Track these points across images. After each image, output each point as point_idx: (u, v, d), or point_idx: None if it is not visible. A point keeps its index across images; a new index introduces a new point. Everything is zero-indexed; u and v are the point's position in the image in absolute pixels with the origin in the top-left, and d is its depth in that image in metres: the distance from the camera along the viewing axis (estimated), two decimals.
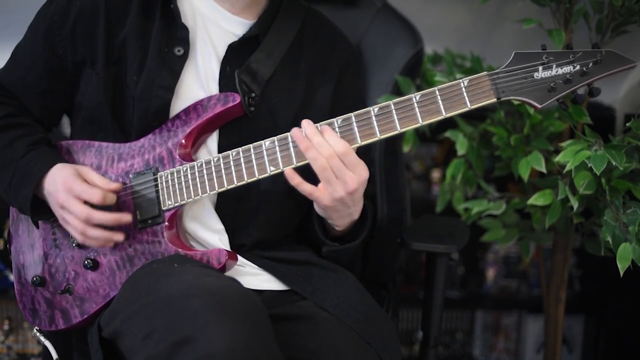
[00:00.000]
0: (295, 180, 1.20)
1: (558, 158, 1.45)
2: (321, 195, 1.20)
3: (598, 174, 1.38)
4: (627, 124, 1.42)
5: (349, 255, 1.36)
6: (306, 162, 1.21)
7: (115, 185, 1.27)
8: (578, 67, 1.15)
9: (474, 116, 1.77)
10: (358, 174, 1.19)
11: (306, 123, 1.20)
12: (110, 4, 1.30)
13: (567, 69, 1.15)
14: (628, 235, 1.38)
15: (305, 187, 1.21)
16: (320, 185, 1.20)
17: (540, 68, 1.16)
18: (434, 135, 1.94)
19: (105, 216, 1.24)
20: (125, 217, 1.25)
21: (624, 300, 2.31)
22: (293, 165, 1.21)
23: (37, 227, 1.35)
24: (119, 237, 1.26)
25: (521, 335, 2.58)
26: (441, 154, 2.54)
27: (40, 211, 1.30)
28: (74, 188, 1.23)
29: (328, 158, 1.17)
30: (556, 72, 1.15)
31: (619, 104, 2.35)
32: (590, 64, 1.15)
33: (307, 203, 1.42)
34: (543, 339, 2.09)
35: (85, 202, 1.23)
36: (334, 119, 1.20)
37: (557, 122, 1.64)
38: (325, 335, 1.21)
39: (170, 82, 1.29)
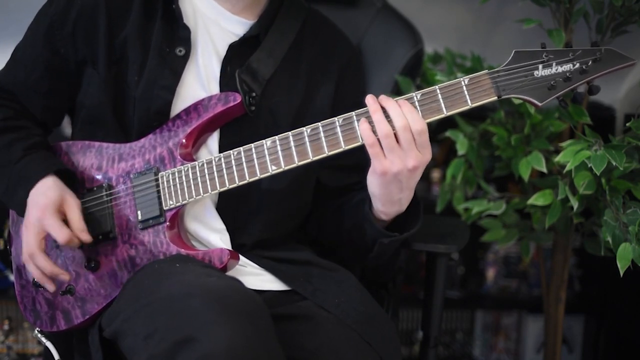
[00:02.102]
0: (365, 125, 1.16)
1: (558, 158, 1.46)
2: (381, 157, 1.16)
3: (598, 174, 1.38)
4: (627, 124, 1.42)
5: (393, 250, 1.33)
6: (307, 161, 1.21)
7: (87, 238, 1.25)
8: (578, 65, 1.15)
9: (474, 116, 1.78)
10: (423, 154, 1.17)
11: (383, 97, 1.18)
12: (110, 4, 1.30)
13: (567, 67, 1.16)
14: (628, 235, 1.38)
15: (369, 134, 1.16)
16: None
17: (540, 66, 1.16)
18: (434, 135, 1.92)
19: (45, 264, 1.23)
20: (64, 276, 1.25)
21: (624, 300, 2.31)
22: (294, 165, 1.21)
23: None
24: (51, 287, 1.26)
25: (521, 335, 2.58)
26: (441, 154, 2.54)
27: None
28: (45, 219, 1.22)
29: (401, 129, 1.14)
30: (556, 70, 1.16)
31: (619, 104, 2.35)
32: (590, 62, 1.15)
33: (308, 202, 1.42)
34: (543, 339, 2.09)
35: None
36: (335, 118, 1.20)
37: (557, 122, 1.64)
38: (325, 335, 1.21)
39: (171, 83, 1.30)
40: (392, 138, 1.15)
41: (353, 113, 1.19)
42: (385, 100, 1.17)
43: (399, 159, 1.15)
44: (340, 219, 1.38)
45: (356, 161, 1.33)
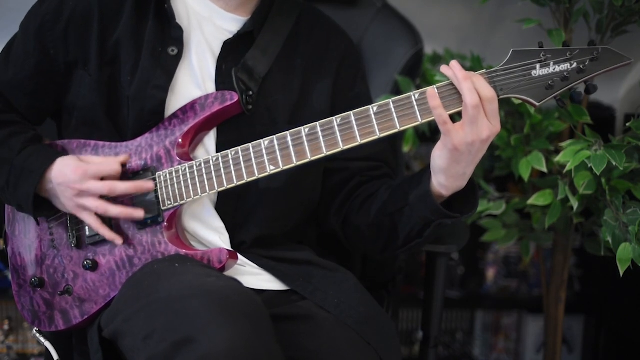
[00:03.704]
0: (435, 102, 1.13)
1: (558, 158, 1.46)
2: (454, 131, 1.13)
3: (598, 174, 1.38)
4: (627, 124, 1.42)
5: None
6: (306, 161, 1.21)
7: (123, 157, 1.27)
8: (575, 64, 1.15)
9: None
10: (494, 125, 1.14)
11: (455, 63, 1.15)
12: (103, 5, 1.30)
13: (564, 66, 1.15)
14: (628, 235, 1.38)
15: (441, 112, 1.13)
16: (457, 123, 1.14)
17: (538, 66, 1.16)
18: (433, 135, 1.94)
19: (127, 184, 1.24)
20: (148, 184, 1.26)
21: (624, 300, 2.30)
22: (293, 165, 1.21)
23: (38, 224, 1.35)
24: (140, 213, 1.25)
25: (521, 335, 2.58)
26: None
27: (41, 208, 1.29)
28: (88, 170, 1.23)
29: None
30: (553, 69, 1.15)
31: (619, 104, 2.35)
32: (587, 62, 1.15)
33: (306, 199, 1.41)
34: (543, 339, 2.09)
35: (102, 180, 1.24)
36: (333, 118, 1.20)
37: (557, 122, 1.64)
38: (325, 336, 1.21)
39: (164, 82, 1.29)
40: (479, 108, 1.11)
41: (351, 112, 1.19)
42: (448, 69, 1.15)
43: (475, 130, 1.12)
44: (374, 206, 1.33)
45: (368, 153, 1.35)
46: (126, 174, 1.29)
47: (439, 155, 1.18)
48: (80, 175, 1.23)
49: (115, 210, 1.24)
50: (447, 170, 1.18)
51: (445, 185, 1.20)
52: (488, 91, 1.13)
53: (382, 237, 1.33)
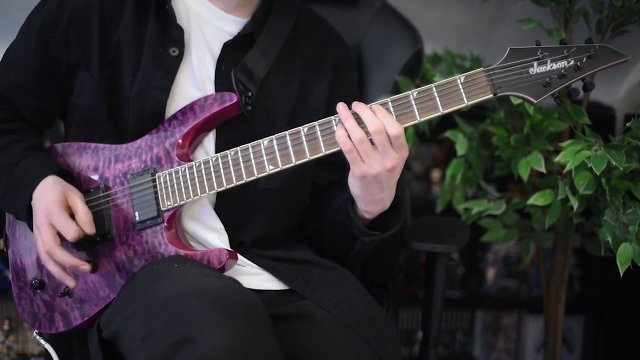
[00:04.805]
0: (344, 126, 1.16)
1: (558, 158, 1.45)
2: (359, 161, 1.17)
3: (598, 174, 1.38)
4: (627, 124, 1.42)
5: (372, 248, 1.34)
6: (305, 160, 1.21)
7: (90, 230, 1.24)
8: (572, 62, 1.15)
9: (474, 116, 1.78)
10: (400, 154, 1.17)
11: (356, 103, 1.18)
12: (103, 5, 1.30)
13: (562, 64, 1.16)
14: (628, 235, 1.38)
15: (345, 141, 1.16)
16: None
17: (535, 63, 1.16)
18: (433, 135, 1.94)
19: (65, 258, 1.22)
20: (84, 266, 1.24)
21: (624, 300, 2.30)
22: (292, 164, 1.22)
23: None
24: (71, 282, 1.25)
25: (521, 335, 2.58)
26: (441, 154, 2.54)
27: None
28: (52, 217, 1.22)
29: (375, 133, 1.14)
30: (551, 67, 1.16)
31: (619, 104, 2.35)
32: (584, 59, 1.15)
33: (305, 199, 1.42)
34: (543, 339, 2.09)
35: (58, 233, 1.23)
36: (332, 117, 1.20)
37: (557, 122, 1.64)
38: (324, 335, 1.21)
39: (165, 83, 1.29)
40: (367, 142, 1.15)
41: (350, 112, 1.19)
42: (358, 106, 1.18)
43: (377, 162, 1.16)
44: (323, 215, 1.38)
45: (342, 158, 1.34)
46: (126, 174, 1.29)
47: (352, 184, 1.23)
48: (45, 216, 1.22)
49: (59, 256, 1.22)
50: (363, 198, 1.23)
51: (366, 210, 1.26)
52: (393, 129, 1.15)
53: (331, 245, 1.38)
